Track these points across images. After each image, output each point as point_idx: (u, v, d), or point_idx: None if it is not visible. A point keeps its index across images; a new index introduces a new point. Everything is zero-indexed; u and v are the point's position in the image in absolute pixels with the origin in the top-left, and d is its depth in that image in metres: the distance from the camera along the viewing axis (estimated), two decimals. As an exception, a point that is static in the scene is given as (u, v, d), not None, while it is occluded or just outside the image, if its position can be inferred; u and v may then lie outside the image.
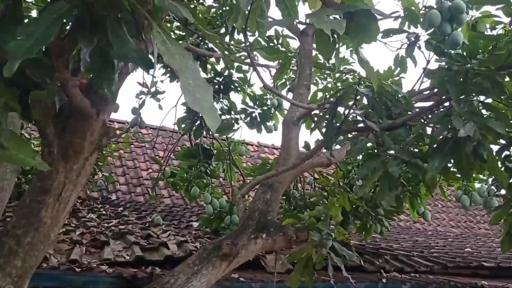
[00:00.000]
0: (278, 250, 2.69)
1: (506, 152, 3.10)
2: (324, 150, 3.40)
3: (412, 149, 2.55)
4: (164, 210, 6.68)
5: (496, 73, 2.13)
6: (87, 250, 3.65)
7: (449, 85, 2.09)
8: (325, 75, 5.59)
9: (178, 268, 2.34)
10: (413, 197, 5.01)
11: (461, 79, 2.18)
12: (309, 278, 3.12)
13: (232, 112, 5.04)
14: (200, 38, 4.92)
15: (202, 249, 2.46)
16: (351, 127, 2.60)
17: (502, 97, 2.42)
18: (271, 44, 5.03)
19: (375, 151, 2.34)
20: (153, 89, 5.75)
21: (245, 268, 4.02)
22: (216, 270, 2.36)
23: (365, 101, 2.80)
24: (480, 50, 2.68)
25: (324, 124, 2.84)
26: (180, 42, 4.65)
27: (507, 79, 2.56)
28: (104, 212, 5.42)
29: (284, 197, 5.21)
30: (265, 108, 5.21)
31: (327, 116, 2.33)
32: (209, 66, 5.52)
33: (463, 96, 2.27)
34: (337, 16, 1.27)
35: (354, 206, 5.39)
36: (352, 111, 2.59)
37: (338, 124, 2.56)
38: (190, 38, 4.90)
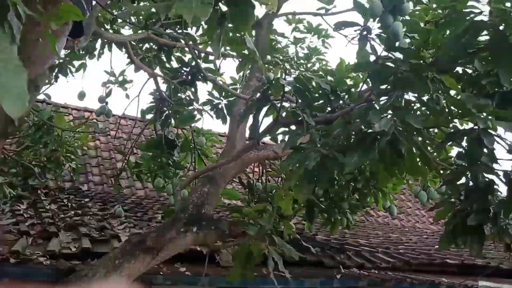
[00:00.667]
0: (210, 244, 2.65)
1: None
2: (273, 143, 3.36)
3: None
4: (134, 202, 6.62)
5: (426, 68, 2.08)
6: (33, 242, 3.59)
7: (371, 79, 2.05)
8: (297, 65, 5.54)
9: (99, 261, 2.29)
10: (377, 191, 5.01)
11: (390, 74, 2.14)
12: (250, 272, 3.09)
13: (195, 104, 4.97)
14: (164, 28, 4.84)
15: (126, 242, 2.41)
16: (287, 120, 2.55)
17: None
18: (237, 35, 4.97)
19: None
20: (120, 78, 5.67)
21: (198, 262, 3.98)
22: (139, 264, 2.31)
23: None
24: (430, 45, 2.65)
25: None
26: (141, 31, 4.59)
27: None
28: (66, 203, 5.35)
29: (248, 190, 5.17)
30: (231, 99, 5.13)
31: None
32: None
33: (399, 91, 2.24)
34: (211, 2, 1.22)
35: (320, 200, 5.39)
36: (290, 104, 2.54)
37: (276, 117, 2.53)
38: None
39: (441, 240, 2.88)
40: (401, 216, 10.76)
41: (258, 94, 2.20)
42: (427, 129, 2.77)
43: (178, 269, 3.58)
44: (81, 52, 5.43)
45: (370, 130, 1.98)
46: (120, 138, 9.26)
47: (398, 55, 2.38)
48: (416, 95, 2.40)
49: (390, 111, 1.95)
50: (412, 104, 2.43)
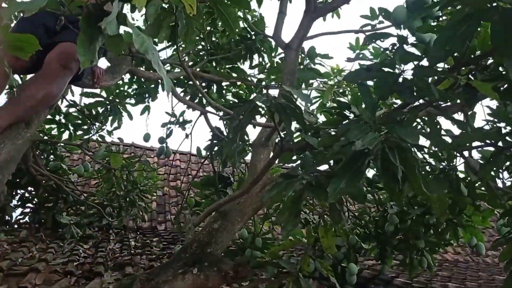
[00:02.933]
0: (214, 287, 2.38)
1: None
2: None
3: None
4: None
5: (429, 71, 1.68)
6: (76, 282, 3.62)
7: (360, 87, 1.70)
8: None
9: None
10: (458, 226, 4.32)
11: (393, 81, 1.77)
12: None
13: (246, 137, 4.81)
14: (215, 64, 4.84)
15: (118, 283, 2.25)
16: (292, 145, 2.26)
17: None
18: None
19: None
20: (181, 119, 5.75)
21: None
22: (126, 309, 2.13)
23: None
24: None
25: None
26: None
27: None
28: (132, 243, 5.45)
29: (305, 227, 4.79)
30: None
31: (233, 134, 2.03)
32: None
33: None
34: None
35: (396, 238, 4.83)
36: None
37: (280, 143, 2.26)
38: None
39: (506, 281, 2.28)
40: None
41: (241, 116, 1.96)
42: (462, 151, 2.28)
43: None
44: (145, 96, 5.69)
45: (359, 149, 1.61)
46: (199, 177, 9.45)
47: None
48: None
49: (376, 125, 1.58)
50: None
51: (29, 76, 2.59)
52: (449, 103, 2.53)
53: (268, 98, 1.83)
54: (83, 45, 1.05)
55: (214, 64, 4.85)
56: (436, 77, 1.90)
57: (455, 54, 2.04)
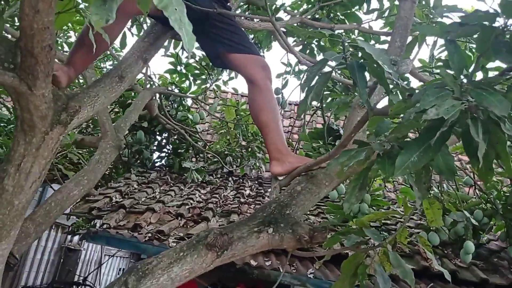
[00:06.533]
0: (288, 249, 2.33)
1: None
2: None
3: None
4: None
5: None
6: (185, 224, 3.90)
7: (448, 45, 1.39)
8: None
9: (165, 251, 2.30)
10: None
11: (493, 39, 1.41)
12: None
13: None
14: (326, 12, 4.53)
15: (195, 235, 2.34)
16: (384, 109, 2.02)
17: None
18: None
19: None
20: (296, 69, 5.62)
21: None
22: (201, 260, 2.20)
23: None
24: None
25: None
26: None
27: None
28: (246, 191, 5.66)
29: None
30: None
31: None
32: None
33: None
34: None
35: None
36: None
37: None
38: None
39: None
40: None
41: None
42: None
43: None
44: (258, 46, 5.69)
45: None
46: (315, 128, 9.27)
47: None
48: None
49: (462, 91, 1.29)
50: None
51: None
52: None
53: (340, 55, 1.63)
54: (96, 5, 1.02)
55: (326, 11, 4.55)
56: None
57: None
